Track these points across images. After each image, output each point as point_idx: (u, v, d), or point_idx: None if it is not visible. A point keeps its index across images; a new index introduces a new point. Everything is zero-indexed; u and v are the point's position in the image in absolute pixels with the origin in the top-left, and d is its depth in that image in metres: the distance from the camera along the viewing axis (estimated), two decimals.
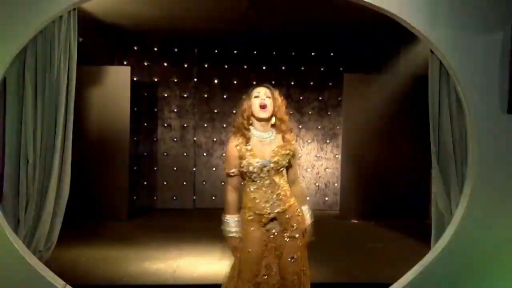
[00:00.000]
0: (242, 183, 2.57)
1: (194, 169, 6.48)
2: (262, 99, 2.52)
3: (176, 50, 6.40)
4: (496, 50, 3.18)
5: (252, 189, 2.52)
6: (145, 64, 6.37)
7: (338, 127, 6.52)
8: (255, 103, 2.52)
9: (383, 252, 4.45)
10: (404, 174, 5.74)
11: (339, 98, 6.38)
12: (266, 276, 2.48)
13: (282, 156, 2.51)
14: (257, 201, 2.51)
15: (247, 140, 2.52)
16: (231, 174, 2.53)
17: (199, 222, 5.57)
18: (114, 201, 5.51)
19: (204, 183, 6.47)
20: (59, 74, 3.30)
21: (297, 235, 2.55)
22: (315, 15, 4.95)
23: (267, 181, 2.50)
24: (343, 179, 5.90)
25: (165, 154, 6.46)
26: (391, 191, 5.74)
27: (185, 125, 6.49)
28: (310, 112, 6.59)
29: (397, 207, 5.72)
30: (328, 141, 6.61)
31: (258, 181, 2.51)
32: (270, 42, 6.37)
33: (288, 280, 2.50)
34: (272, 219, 2.51)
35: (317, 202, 6.58)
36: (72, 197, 3.51)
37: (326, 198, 6.61)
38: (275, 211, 2.50)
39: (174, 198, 6.44)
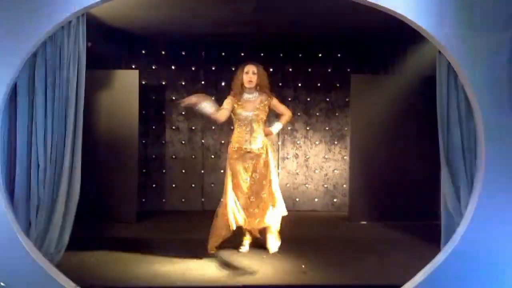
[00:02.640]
0: (232, 127, 4.23)
1: (202, 171, 6.50)
2: (250, 76, 3.97)
3: (183, 53, 6.43)
4: (504, 49, 3.17)
5: (238, 130, 4.06)
6: (153, 67, 6.41)
7: (346, 128, 6.50)
8: (245, 78, 3.98)
9: (393, 253, 4.43)
10: (413, 174, 5.70)
11: (347, 99, 6.36)
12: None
13: (260, 111, 4.03)
14: (240, 138, 4.03)
15: (240, 98, 4.03)
16: (224, 107, 3.98)
17: (207, 224, 5.58)
18: (123, 204, 5.54)
19: (212, 185, 6.49)
20: (69, 78, 3.35)
21: (262, 171, 4.10)
22: (321, 17, 4.95)
23: (248, 127, 4.00)
24: (351, 181, 5.87)
25: (173, 156, 6.49)
26: (400, 192, 5.70)
27: (193, 127, 6.52)
28: (317, 114, 6.58)
29: (406, 208, 5.68)
30: (336, 142, 6.60)
31: (243, 125, 4.02)
32: (277, 43, 6.38)
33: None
34: (247, 152, 4.05)
35: (325, 203, 6.57)
36: (82, 199, 3.55)
37: (335, 200, 6.59)
38: (250, 147, 4.03)
39: (183, 200, 6.46)
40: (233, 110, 4.04)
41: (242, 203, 4.11)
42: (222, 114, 3.94)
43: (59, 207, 3.36)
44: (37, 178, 3.29)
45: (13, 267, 3.07)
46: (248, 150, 4.04)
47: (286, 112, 4.22)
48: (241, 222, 4.10)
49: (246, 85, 3.97)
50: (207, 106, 3.77)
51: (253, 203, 4.14)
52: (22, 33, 3.15)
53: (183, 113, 6.47)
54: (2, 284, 2.46)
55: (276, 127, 4.20)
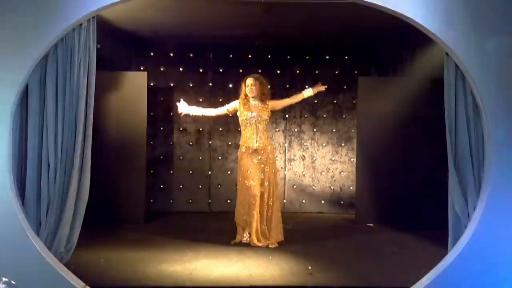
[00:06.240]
0: (239, 129, 4.78)
1: (209, 172, 6.54)
2: (251, 87, 4.62)
3: (191, 55, 6.48)
4: None
5: (245, 131, 4.63)
6: (161, 69, 6.46)
7: (353, 130, 6.50)
8: (247, 90, 4.66)
9: (400, 256, 4.42)
10: (420, 177, 5.68)
11: (354, 101, 6.36)
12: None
13: (264, 112, 4.63)
14: (247, 138, 4.60)
15: (247, 101, 4.66)
16: (228, 107, 4.76)
17: (214, 225, 5.61)
18: (131, 204, 5.59)
19: (219, 186, 6.52)
20: (79, 80, 3.39)
21: (270, 163, 4.66)
22: (329, 19, 4.96)
23: (254, 126, 4.59)
24: (358, 183, 5.87)
25: (181, 157, 6.53)
26: (407, 194, 5.68)
27: (201, 129, 6.56)
28: (324, 115, 6.59)
29: (413, 210, 5.67)
30: (343, 144, 6.60)
31: (249, 126, 4.61)
32: (284, 46, 6.40)
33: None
34: (255, 150, 4.58)
35: (332, 205, 6.57)
36: (91, 200, 3.59)
37: (342, 202, 6.58)
38: (256, 145, 4.57)
39: (190, 201, 6.50)
40: (240, 113, 4.66)
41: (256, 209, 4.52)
42: (210, 110, 4.88)
43: (68, 206, 3.40)
44: (47, 178, 3.34)
45: (23, 265, 3.11)
46: (256, 148, 4.58)
47: (290, 99, 4.89)
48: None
49: (249, 95, 4.65)
50: (195, 110, 4.79)
51: (263, 214, 4.60)
52: (34, 35, 3.20)
53: (191, 114, 6.51)
54: (13, 282, 2.51)
55: (307, 92, 4.82)
